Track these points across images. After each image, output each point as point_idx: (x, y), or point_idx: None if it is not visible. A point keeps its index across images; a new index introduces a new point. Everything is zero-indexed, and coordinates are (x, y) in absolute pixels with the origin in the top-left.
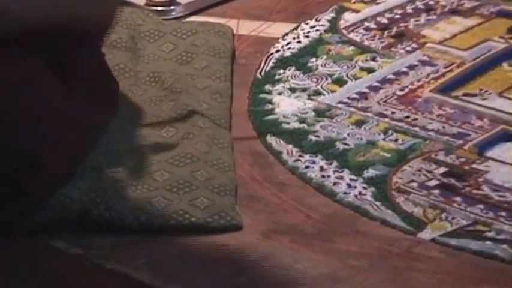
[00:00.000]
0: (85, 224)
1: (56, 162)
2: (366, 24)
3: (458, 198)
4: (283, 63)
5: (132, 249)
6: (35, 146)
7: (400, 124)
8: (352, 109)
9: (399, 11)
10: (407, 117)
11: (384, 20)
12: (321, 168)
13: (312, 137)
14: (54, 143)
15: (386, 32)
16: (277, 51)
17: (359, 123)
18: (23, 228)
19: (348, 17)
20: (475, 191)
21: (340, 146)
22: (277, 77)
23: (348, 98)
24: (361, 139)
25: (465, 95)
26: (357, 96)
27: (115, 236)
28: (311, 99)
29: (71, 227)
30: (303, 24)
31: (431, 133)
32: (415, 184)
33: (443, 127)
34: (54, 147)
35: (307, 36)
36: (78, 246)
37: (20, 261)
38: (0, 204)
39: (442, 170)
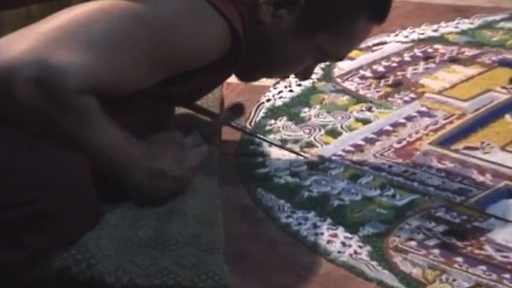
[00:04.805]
0: (64, 283)
1: (65, 226)
2: (362, 72)
3: (460, 259)
4: (274, 113)
5: None
6: (51, 206)
7: (397, 179)
8: (347, 162)
9: (396, 59)
10: (406, 171)
11: (381, 68)
12: (314, 225)
13: (304, 192)
14: (71, 208)
15: (382, 81)
16: (268, 100)
17: (354, 178)
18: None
19: (343, 65)
20: (477, 251)
21: (334, 201)
22: (268, 127)
23: (343, 150)
24: (357, 194)
25: (466, 148)
26: (352, 149)
27: None
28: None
29: (49, 286)
30: None
31: (430, 188)
32: (413, 243)
33: (443, 182)
34: (70, 211)
35: (300, 85)
36: None
37: None
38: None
39: (442, 228)
